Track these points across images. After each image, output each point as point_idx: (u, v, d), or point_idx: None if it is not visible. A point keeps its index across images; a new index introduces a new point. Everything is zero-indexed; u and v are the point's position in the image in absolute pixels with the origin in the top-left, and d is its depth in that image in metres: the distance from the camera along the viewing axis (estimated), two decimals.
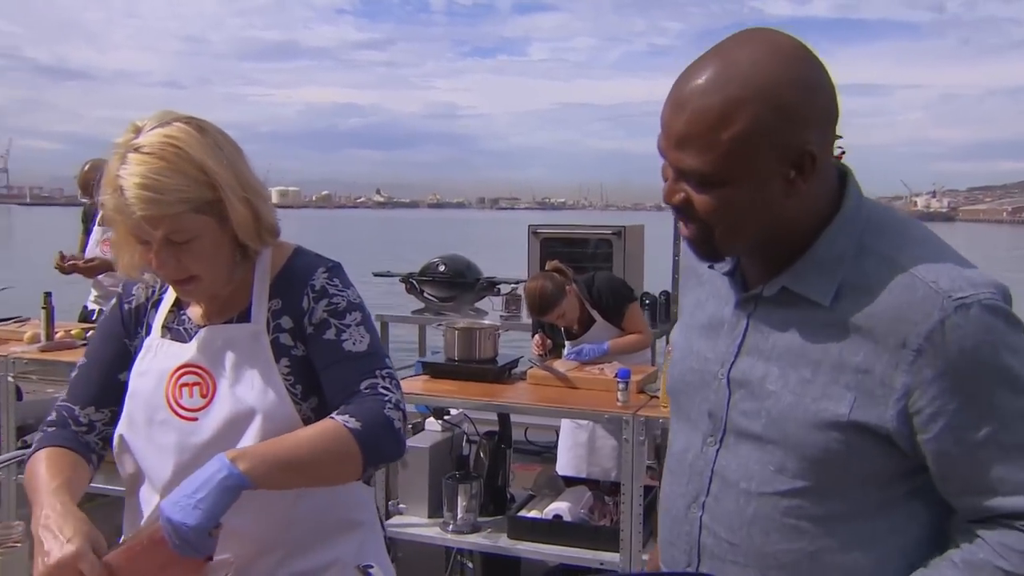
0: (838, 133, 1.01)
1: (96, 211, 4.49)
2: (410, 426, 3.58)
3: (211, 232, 1.31)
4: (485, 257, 7.59)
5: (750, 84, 0.94)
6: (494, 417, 3.48)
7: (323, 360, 1.36)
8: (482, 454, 3.37)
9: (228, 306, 1.41)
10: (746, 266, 1.10)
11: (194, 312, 1.43)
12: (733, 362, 1.07)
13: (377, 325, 6.33)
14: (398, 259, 7.78)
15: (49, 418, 1.44)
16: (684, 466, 1.13)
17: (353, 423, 1.28)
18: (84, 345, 3.60)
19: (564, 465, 3.66)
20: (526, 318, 4.72)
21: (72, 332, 3.72)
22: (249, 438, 1.31)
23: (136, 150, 1.26)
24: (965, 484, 0.98)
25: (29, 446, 3.85)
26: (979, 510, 0.98)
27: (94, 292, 4.48)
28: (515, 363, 3.50)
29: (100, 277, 4.28)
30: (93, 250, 4.36)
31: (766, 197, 0.98)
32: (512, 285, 5.87)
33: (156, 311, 1.44)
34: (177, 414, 1.35)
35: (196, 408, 1.34)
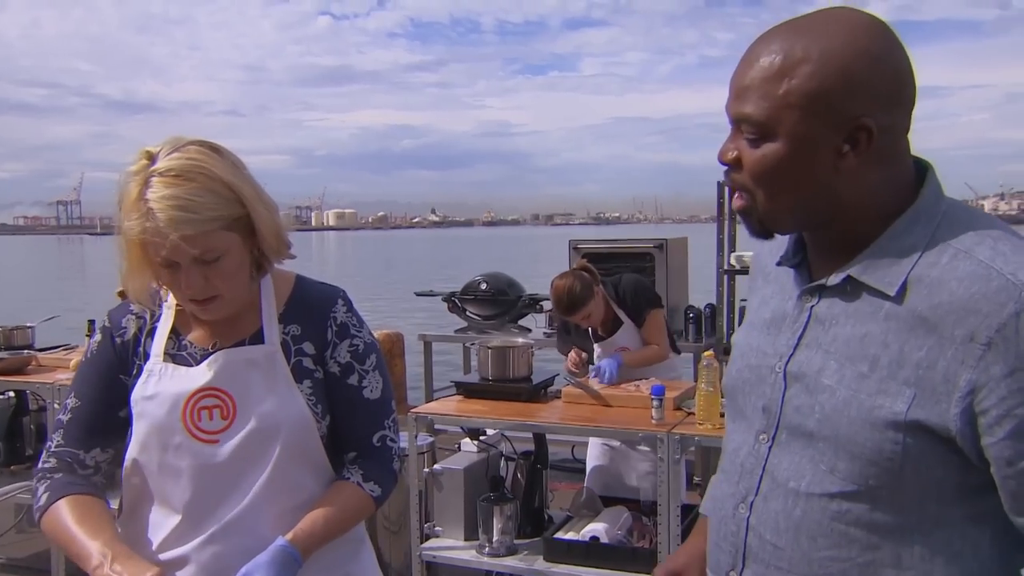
0: None
1: None
2: (456, 446, 3.56)
3: (237, 249, 1.34)
4: (531, 273, 7.56)
5: (816, 46, 0.93)
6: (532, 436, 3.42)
7: (342, 403, 1.45)
8: (519, 475, 3.32)
9: (236, 329, 1.42)
10: (813, 259, 1.06)
11: (196, 336, 1.43)
12: (791, 355, 1.02)
13: (420, 345, 6.24)
14: (448, 277, 7.81)
15: (47, 465, 1.42)
16: (736, 464, 1.08)
17: (378, 491, 1.46)
18: None
19: (593, 484, 3.58)
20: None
21: None
22: (273, 455, 1.37)
23: (160, 174, 1.26)
24: None
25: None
26: None
27: None
28: (550, 381, 3.44)
29: None
30: None
31: (813, 164, 0.95)
32: None
33: (152, 339, 1.43)
34: (196, 437, 1.37)
35: (217, 431, 1.37)
